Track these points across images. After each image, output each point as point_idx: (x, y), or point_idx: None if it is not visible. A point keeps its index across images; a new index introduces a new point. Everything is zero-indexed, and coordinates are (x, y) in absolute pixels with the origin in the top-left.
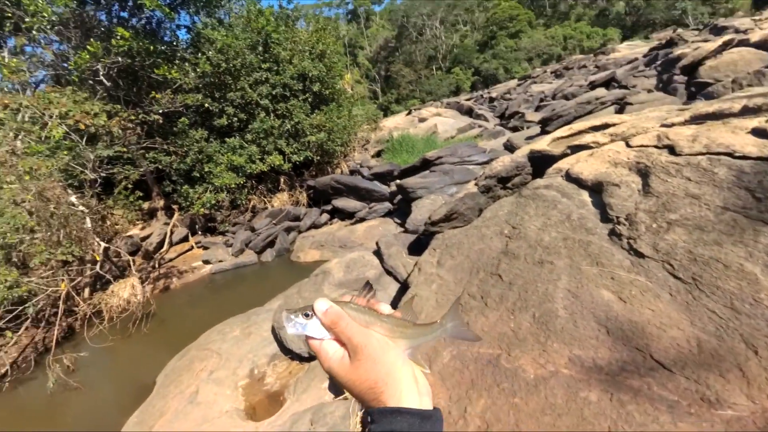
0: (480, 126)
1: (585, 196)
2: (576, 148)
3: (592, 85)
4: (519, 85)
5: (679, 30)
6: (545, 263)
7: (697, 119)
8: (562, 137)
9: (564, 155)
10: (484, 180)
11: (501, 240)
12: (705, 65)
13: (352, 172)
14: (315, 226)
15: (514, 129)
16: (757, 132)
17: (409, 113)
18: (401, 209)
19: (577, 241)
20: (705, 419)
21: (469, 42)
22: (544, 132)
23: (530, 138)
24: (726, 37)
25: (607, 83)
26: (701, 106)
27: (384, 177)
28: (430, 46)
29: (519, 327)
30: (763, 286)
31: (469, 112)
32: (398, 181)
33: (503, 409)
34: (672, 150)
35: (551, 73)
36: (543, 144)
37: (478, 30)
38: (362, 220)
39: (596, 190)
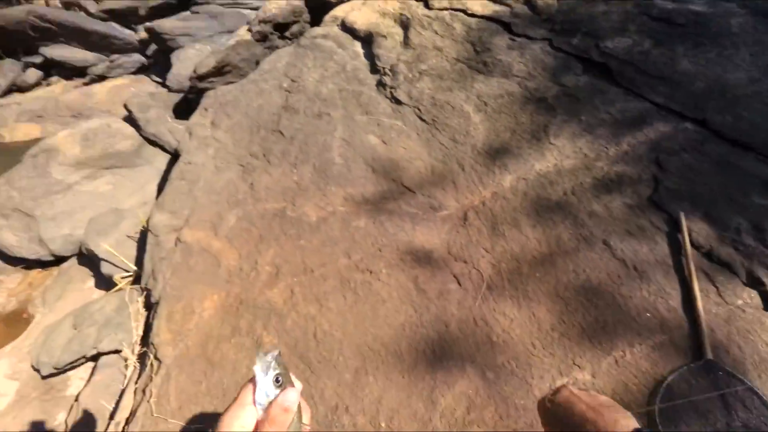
0: None
1: (358, 47)
2: None
3: None
4: None
5: None
6: (323, 115)
7: None
8: None
9: (341, 1)
10: (258, 25)
11: (281, 94)
12: None
13: (68, 5)
14: (19, 88)
15: None
16: None
17: None
18: (159, 63)
19: (351, 92)
20: (431, 220)
21: None
22: None
23: None
24: None
25: None
26: None
27: (125, 17)
28: None
29: (302, 179)
30: (473, 121)
31: None
32: (149, 24)
33: (291, 252)
34: (426, 3)
35: None
36: None
37: None
38: (102, 78)
39: (368, 41)
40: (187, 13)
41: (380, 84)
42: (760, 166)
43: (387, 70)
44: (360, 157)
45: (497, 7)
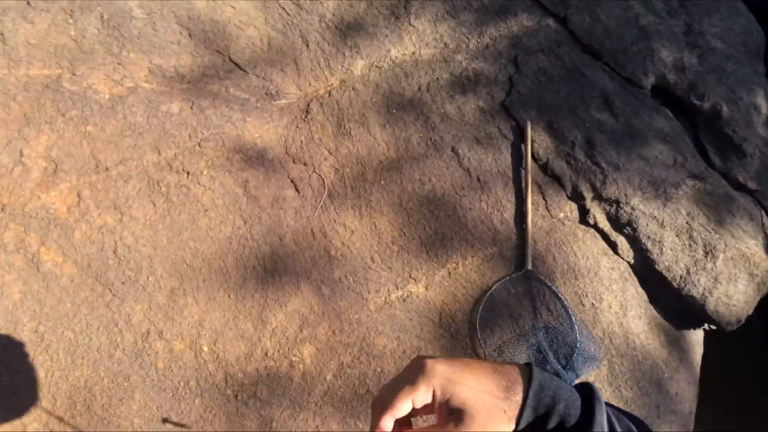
0: None
1: None
2: None
3: None
4: None
5: None
6: None
7: None
8: None
9: None
10: None
11: None
12: None
13: None
14: None
15: None
16: None
17: None
18: None
19: None
20: (266, 110)
21: None
22: None
23: None
24: None
25: None
26: None
27: None
28: None
29: (83, 35)
30: None
31: None
32: None
33: (74, 142)
34: None
35: None
36: None
37: None
38: None
39: None
40: None
41: None
42: (604, 78)
43: None
44: (171, 12)
45: None
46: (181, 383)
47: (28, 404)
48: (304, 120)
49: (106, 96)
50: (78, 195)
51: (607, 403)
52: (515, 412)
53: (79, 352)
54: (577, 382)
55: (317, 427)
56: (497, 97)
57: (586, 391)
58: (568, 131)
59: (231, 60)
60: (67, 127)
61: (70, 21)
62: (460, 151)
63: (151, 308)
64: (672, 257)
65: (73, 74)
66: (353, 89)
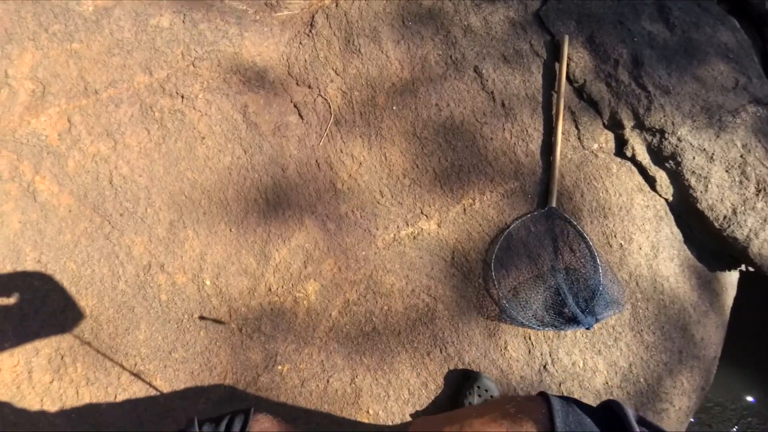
0: None
1: None
2: None
3: None
4: None
5: None
6: None
7: None
8: None
9: None
10: None
11: None
12: None
13: None
14: None
15: None
16: None
17: None
18: None
19: None
20: (266, 24)
21: None
22: None
23: None
24: None
25: None
26: None
27: None
28: None
29: None
30: None
31: None
32: None
33: (60, 61)
34: None
35: None
36: None
37: None
38: None
39: None
40: None
41: None
42: None
43: None
44: None
45: None
46: (185, 316)
47: (38, 330)
48: (308, 35)
49: (90, 8)
50: (68, 120)
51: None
52: None
53: (83, 283)
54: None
55: (322, 362)
56: (531, 6)
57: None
58: (612, 47)
59: None
60: (52, 45)
61: None
62: (483, 71)
63: (152, 241)
64: (717, 195)
65: None
66: None
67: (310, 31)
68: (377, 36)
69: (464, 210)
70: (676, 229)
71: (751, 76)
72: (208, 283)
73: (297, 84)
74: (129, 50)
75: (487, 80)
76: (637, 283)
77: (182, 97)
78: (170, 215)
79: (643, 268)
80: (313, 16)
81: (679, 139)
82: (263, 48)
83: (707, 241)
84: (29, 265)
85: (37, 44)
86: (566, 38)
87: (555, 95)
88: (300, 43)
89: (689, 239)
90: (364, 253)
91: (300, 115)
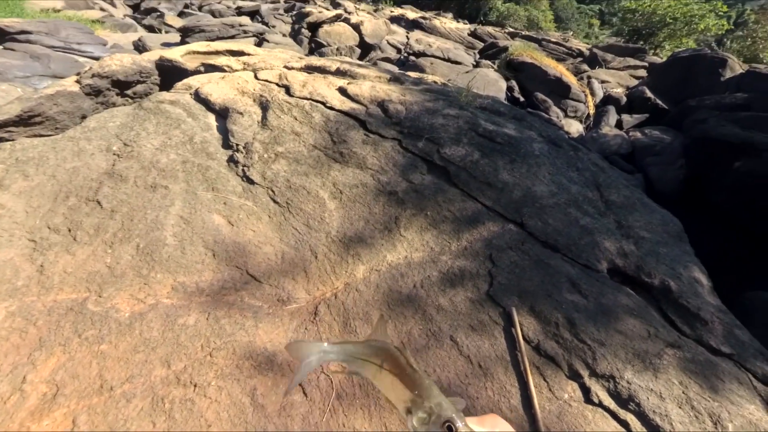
0: (103, 10)
1: (211, 119)
2: (210, 68)
3: (239, 11)
4: None
5: None
6: (159, 187)
7: (309, 69)
8: (199, 52)
9: (197, 72)
10: (90, 78)
11: (107, 158)
12: (323, 28)
13: None
14: None
15: (150, 29)
16: (342, 90)
17: None
18: None
19: (197, 165)
20: (277, 315)
21: None
22: (183, 42)
23: (168, 44)
24: (338, 12)
25: (253, 14)
26: (313, 60)
27: None
28: None
29: (117, 262)
30: (328, 208)
31: None
32: None
33: (84, 362)
34: (288, 90)
35: None
36: (177, 54)
37: None
38: None
39: (223, 115)
40: None
41: (232, 161)
42: (566, 266)
43: (241, 147)
44: (199, 238)
45: (354, 105)
46: None
47: None
48: (313, 321)
49: (126, 314)
50: (73, 421)
51: None
52: None
53: None
54: None
55: None
56: (482, 288)
57: None
58: (549, 313)
59: (248, 273)
60: (80, 348)
61: (109, 251)
62: (458, 339)
63: None
64: (684, 430)
65: (100, 296)
66: (356, 290)
67: (314, 318)
68: (369, 318)
69: None
70: None
71: (657, 326)
72: None
73: None
74: (153, 347)
75: (462, 346)
76: None
77: (195, 385)
78: None
79: None
80: (316, 307)
81: (628, 382)
82: (274, 335)
83: None
84: None
85: (65, 349)
86: (513, 309)
87: (519, 354)
88: (306, 328)
89: None
90: None
91: (304, 392)
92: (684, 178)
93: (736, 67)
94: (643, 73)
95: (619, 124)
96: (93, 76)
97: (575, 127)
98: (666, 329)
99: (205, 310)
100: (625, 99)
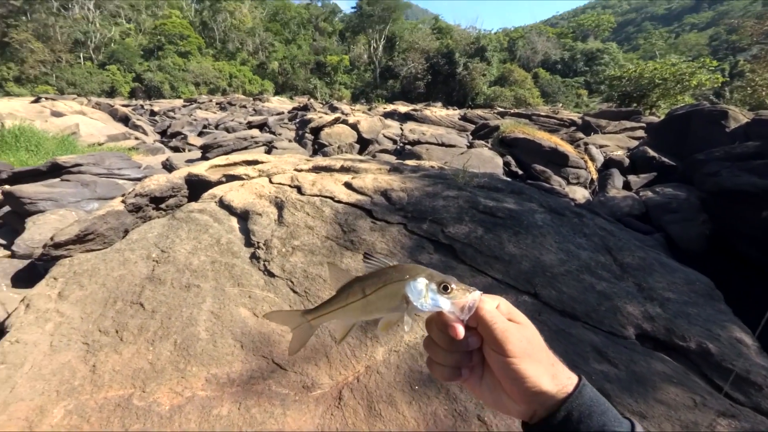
0: (137, 139)
1: (234, 222)
2: (231, 177)
3: (250, 125)
4: (185, 106)
5: (311, 100)
6: (192, 287)
7: (316, 169)
8: (220, 165)
9: (219, 182)
10: (133, 198)
11: (147, 264)
12: (324, 131)
13: None
14: None
15: (176, 149)
16: (347, 185)
17: (37, 101)
18: (9, 225)
19: (223, 264)
20: (303, 402)
21: (132, 42)
22: (204, 158)
23: (191, 161)
24: (337, 115)
25: (261, 126)
26: (319, 160)
27: None
28: (78, 28)
29: (158, 358)
30: None
31: (125, 119)
32: (8, 187)
33: None
34: (299, 190)
35: (216, 104)
36: (202, 169)
37: (144, 34)
38: None
39: (244, 217)
40: (57, 180)
41: (254, 257)
42: (588, 334)
43: (261, 244)
44: (229, 331)
45: (360, 197)
46: None
47: None
48: (338, 407)
49: (167, 407)
50: None
51: None
52: (559, 388)
53: None
54: None
55: None
56: None
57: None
58: None
59: (274, 362)
60: None
61: (150, 348)
62: (485, 418)
63: None
64: None
65: (143, 391)
66: (378, 372)
67: (339, 403)
68: (393, 400)
69: None
70: None
71: (703, 394)
72: None
73: None
74: None
75: (491, 426)
76: None
77: None
78: None
79: None
80: (340, 391)
81: None
82: (302, 422)
83: None
84: None
85: None
86: None
87: None
88: (332, 414)
89: None
90: None
91: None
92: (710, 234)
93: (739, 117)
94: (641, 133)
95: (626, 186)
96: (135, 195)
97: (580, 194)
98: (713, 397)
99: (237, 400)
100: (627, 161)
